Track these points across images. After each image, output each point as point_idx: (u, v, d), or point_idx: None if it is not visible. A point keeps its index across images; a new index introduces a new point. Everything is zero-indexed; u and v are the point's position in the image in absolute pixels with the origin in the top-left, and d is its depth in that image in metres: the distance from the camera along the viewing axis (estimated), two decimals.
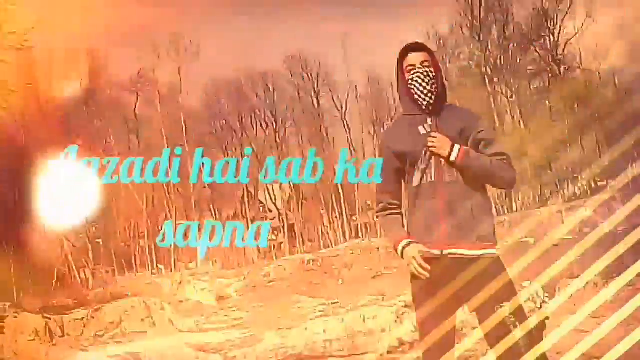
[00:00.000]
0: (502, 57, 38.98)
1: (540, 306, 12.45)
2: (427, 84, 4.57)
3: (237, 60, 41.82)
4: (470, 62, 39.54)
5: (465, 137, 4.57)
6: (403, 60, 4.64)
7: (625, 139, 35.95)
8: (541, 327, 10.62)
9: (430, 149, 4.47)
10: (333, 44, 39.73)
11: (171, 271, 34.46)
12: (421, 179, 4.52)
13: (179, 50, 37.90)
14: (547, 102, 38.53)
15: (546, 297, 12.77)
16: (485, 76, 38.52)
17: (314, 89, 42.29)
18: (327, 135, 43.15)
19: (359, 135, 42.76)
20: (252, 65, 41.21)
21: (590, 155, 37.46)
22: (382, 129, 39.80)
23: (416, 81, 4.57)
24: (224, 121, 42.05)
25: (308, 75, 41.47)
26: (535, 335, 9.45)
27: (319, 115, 42.92)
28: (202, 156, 40.56)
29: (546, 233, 30.32)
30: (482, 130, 4.63)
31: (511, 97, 39.01)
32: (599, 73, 37.84)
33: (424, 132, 4.54)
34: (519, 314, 4.44)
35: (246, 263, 37.70)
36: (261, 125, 42.60)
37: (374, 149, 38.28)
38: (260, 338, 13.91)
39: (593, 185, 37.26)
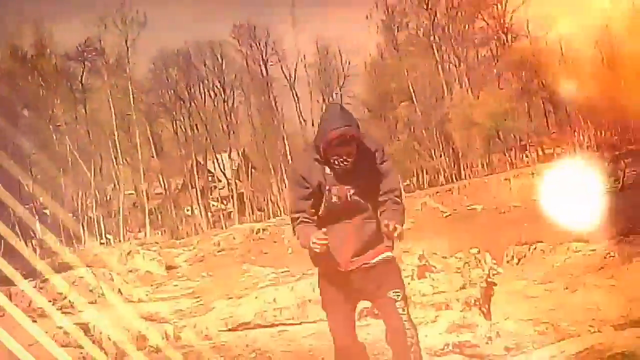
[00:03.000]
0: (450, 25, 39.07)
1: (489, 273, 12.54)
2: (345, 167, 4.92)
3: (185, 29, 41.60)
4: (419, 31, 39.61)
5: (370, 170, 5.02)
6: (329, 145, 4.84)
7: (571, 106, 36.33)
8: (488, 294, 10.74)
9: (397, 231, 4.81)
10: (281, 12, 39.55)
11: (120, 241, 34.32)
12: (328, 214, 4.99)
13: (125, 20, 37.50)
14: (494, 70, 38.74)
15: (494, 263, 12.89)
16: (434, 44, 38.59)
17: (263, 57, 42.12)
18: (275, 104, 43.08)
19: (307, 104, 42.72)
20: (200, 34, 41.02)
21: (538, 123, 37.77)
22: (331, 97, 39.86)
23: (336, 164, 4.90)
24: (172, 91, 41.77)
25: (256, 44, 41.32)
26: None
27: (267, 84, 42.80)
28: (150, 126, 40.37)
29: (494, 200, 30.62)
30: (384, 162, 5.07)
31: (459, 65, 39.15)
32: (546, 41, 38.07)
33: (329, 172, 4.93)
34: (406, 302, 5.07)
35: (195, 232, 37.65)
36: (209, 94, 42.41)
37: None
38: (211, 307, 13.89)
39: (540, 152, 37.60)
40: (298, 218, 5.01)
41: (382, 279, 5.02)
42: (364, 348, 5.35)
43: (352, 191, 4.94)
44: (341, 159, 4.84)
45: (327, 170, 4.92)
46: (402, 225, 4.90)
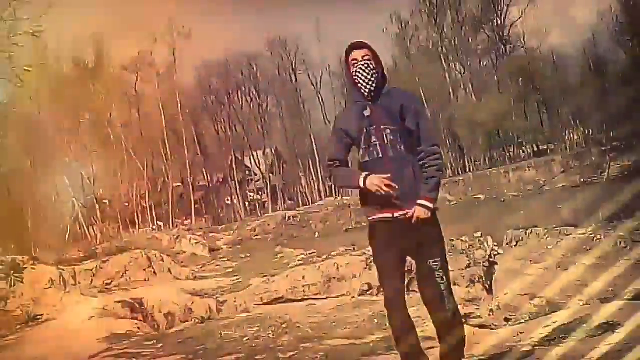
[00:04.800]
0: (456, 38, 38.98)
1: (491, 254, 12.46)
2: (369, 74, 4.71)
3: (224, 43, 41.70)
4: (429, 43, 39.51)
5: (406, 112, 4.73)
6: (348, 57, 4.76)
7: (562, 108, 36.12)
8: (490, 272, 10.67)
9: (421, 218, 4.59)
10: (308, 27, 39.56)
11: (169, 227, 34.42)
12: (368, 155, 4.68)
13: (173, 35, 37.63)
14: (495, 77, 38.58)
15: (495, 246, 12.79)
16: (441, 55, 38.52)
17: (292, 67, 42.22)
18: (304, 107, 43.15)
19: (332, 107, 42.75)
20: (238, 47, 41.09)
21: (533, 123, 37.59)
22: None
23: (359, 72, 4.70)
24: (214, 97, 41.91)
25: (287, 55, 41.37)
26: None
27: (296, 90, 42.86)
28: (195, 127, 40.50)
29: (495, 190, 30.48)
30: (418, 117, 4.77)
31: (464, 73, 39.03)
32: (539, 51, 37.90)
33: (367, 114, 4.69)
34: (445, 270, 4.67)
35: (234, 219, 37.72)
36: (246, 99, 42.54)
37: None
38: (248, 284, 13.90)
39: (535, 149, 37.42)
40: (334, 163, 4.79)
41: (425, 242, 4.66)
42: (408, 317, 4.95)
43: (388, 129, 4.79)
44: (360, 64, 4.70)
45: (366, 112, 4.71)
46: (435, 194, 4.67)
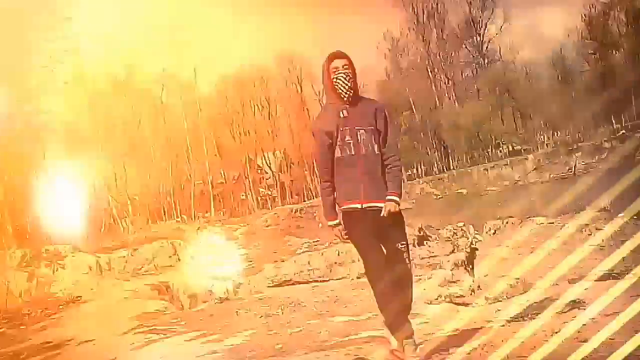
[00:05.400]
0: (440, 53, 38.91)
1: (472, 241, 12.44)
2: (348, 81, 4.84)
3: (239, 58, 41.61)
4: (417, 57, 39.45)
5: (378, 117, 4.93)
6: (329, 64, 4.90)
7: (534, 114, 36.14)
8: (472, 257, 10.66)
9: (392, 210, 4.76)
10: (311, 45, 39.56)
11: (192, 219, 34.42)
12: (341, 152, 4.81)
13: (194, 52, 37.65)
14: (475, 86, 38.52)
15: (476, 234, 12.77)
16: (428, 68, 38.44)
17: (298, 79, 42.18)
18: (308, 114, 43.16)
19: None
20: (250, 63, 41.08)
21: (509, 126, 37.54)
22: None
23: (340, 79, 4.83)
24: (230, 106, 41.94)
25: (293, 70, 41.36)
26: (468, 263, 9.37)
27: (301, 99, 42.87)
28: (214, 132, 40.54)
29: (475, 186, 30.47)
30: (386, 123, 4.96)
31: (448, 83, 38.94)
32: (514, 64, 37.84)
33: (343, 115, 4.82)
34: (409, 251, 4.95)
35: (248, 212, 37.71)
36: (258, 107, 42.51)
37: None
38: (261, 268, 13.90)
39: (511, 149, 37.35)
40: (327, 185, 4.95)
41: (391, 228, 4.83)
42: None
43: (362, 130, 4.85)
44: (341, 72, 4.82)
45: (342, 113, 4.83)
46: (400, 190, 4.89)
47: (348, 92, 4.84)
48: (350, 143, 4.79)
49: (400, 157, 5.02)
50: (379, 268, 4.77)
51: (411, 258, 5.01)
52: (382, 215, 4.73)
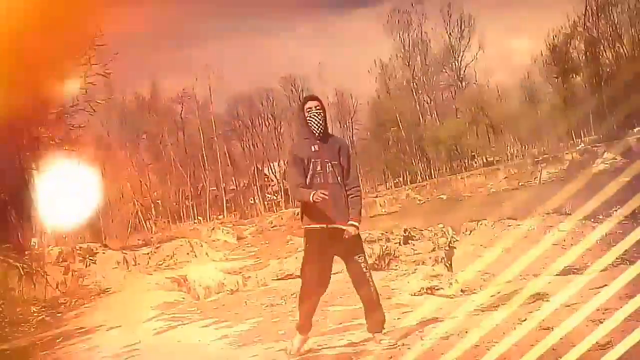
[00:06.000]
0: (424, 76, 38.98)
1: (450, 241, 12.46)
2: (320, 120, 5.01)
3: (248, 81, 41.69)
4: (403, 80, 39.48)
5: (342, 153, 5.09)
6: (304, 106, 5.05)
7: (505, 129, 36.23)
8: (450, 255, 10.65)
9: (352, 234, 4.96)
10: (312, 69, 39.70)
11: (207, 221, 34.41)
12: (313, 180, 4.97)
13: (209, 75, 37.59)
14: (454, 105, 38.56)
15: (454, 234, 12.79)
16: (413, 89, 38.50)
17: (300, 98, 42.17)
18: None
19: (330, 128, 42.61)
20: (258, 84, 41.13)
21: (483, 140, 37.54)
22: (345, 125, 39.90)
23: (313, 117, 5.00)
24: (240, 122, 41.87)
25: (295, 89, 41.31)
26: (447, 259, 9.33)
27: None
28: (226, 144, 40.51)
29: (454, 192, 30.49)
30: (348, 159, 5.12)
31: (430, 102, 39.00)
32: (487, 86, 37.90)
33: (315, 149, 4.99)
34: (366, 262, 5.14)
35: (256, 215, 37.68)
36: (265, 123, 42.47)
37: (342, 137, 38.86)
38: (267, 264, 13.89)
39: (485, 160, 37.36)
40: (299, 185, 4.98)
41: (351, 244, 5.00)
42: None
43: (330, 164, 4.97)
44: (314, 112, 4.95)
45: (314, 148, 4.96)
46: (359, 216, 5.06)
47: (319, 129, 4.99)
48: (320, 173, 4.95)
49: (360, 187, 5.22)
50: (311, 290, 4.99)
51: (369, 268, 5.15)
52: (344, 237, 4.92)
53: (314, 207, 4.88)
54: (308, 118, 4.99)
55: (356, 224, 5.00)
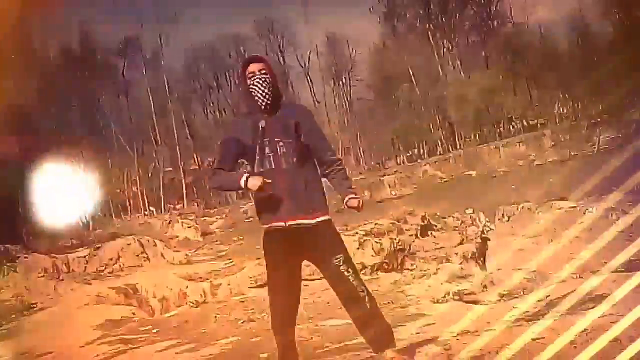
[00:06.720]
0: (442, 15, 38.93)
1: (483, 230, 12.52)
2: (265, 87, 4.89)
3: (211, 25, 41.49)
4: (416, 21, 39.44)
5: (300, 130, 4.94)
6: (245, 70, 4.99)
7: (551, 82, 36.21)
8: (483, 249, 10.72)
9: (354, 205, 4.99)
10: (295, 9, 39.51)
11: (161, 212, 34.41)
12: (261, 166, 4.86)
13: (159, 19, 37.46)
14: (483, 52, 38.57)
15: (487, 221, 12.85)
16: (429, 32, 38.45)
17: (280, 48, 42.03)
18: (292, 88, 43.06)
19: (320, 87, 42.72)
20: (225, 29, 40.97)
21: (522, 98, 37.57)
22: (340, 81, 39.84)
23: (256, 85, 4.90)
24: (202, 80, 41.85)
25: (274, 36, 41.21)
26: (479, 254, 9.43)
27: (284, 71, 42.75)
28: (184, 111, 40.47)
29: (486, 166, 30.57)
30: (314, 131, 5.05)
31: (451, 49, 38.98)
32: (527, 25, 37.87)
33: (262, 127, 4.85)
34: (350, 263, 4.95)
35: (226, 202, 37.72)
36: (235, 82, 42.41)
37: (334, 100, 38.61)
38: (242, 267, 13.92)
39: (525, 124, 37.45)
40: (217, 170, 4.97)
41: (325, 245, 4.93)
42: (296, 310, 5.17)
43: (282, 143, 4.90)
44: (257, 77, 4.88)
45: (261, 125, 4.87)
46: (351, 185, 5.13)
47: (265, 99, 4.91)
48: (270, 156, 4.87)
49: (341, 160, 5.26)
50: (283, 317, 4.97)
51: (355, 271, 5.01)
52: (357, 209, 4.98)
53: (268, 201, 4.85)
54: (251, 86, 4.94)
55: (354, 196, 5.02)
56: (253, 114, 4.96)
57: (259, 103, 4.90)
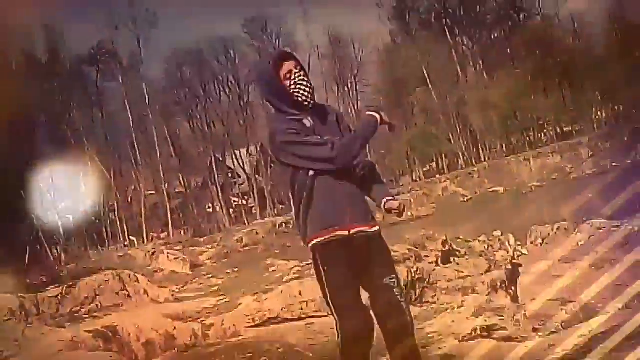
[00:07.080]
0: (461, 7, 39.04)
1: (513, 255, 12.51)
2: (308, 85, 4.80)
3: (196, 27, 41.75)
4: (431, 15, 39.60)
5: (340, 123, 4.93)
6: (279, 69, 4.80)
7: (588, 83, 36.19)
8: (514, 276, 10.71)
9: (395, 208, 4.75)
10: (291, 3, 39.65)
11: (143, 242, 34.46)
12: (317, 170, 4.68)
13: (136, 20, 37.62)
14: (508, 50, 38.67)
15: (518, 245, 12.84)
16: (446, 28, 38.58)
17: (275, 49, 42.23)
18: None
19: (323, 94, 42.79)
20: (212, 31, 41.20)
21: (554, 101, 37.65)
22: (345, 87, 39.97)
23: (300, 85, 4.77)
24: (187, 89, 41.94)
25: (268, 37, 41.39)
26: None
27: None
28: (168, 125, 40.51)
29: (515, 181, 30.59)
30: (348, 128, 4.96)
31: (472, 47, 39.10)
32: (558, 18, 38.00)
33: (309, 124, 4.75)
34: (400, 287, 4.75)
35: (218, 229, 37.75)
36: (225, 90, 42.58)
37: (339, 108, 38.79)
38: (237, 303, 13.89)
39: (559, 131, 37.52)
40: (334, 143, 4.64)
41: (376, 258, 4.72)
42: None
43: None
44: (297, 75, 4.75)
45: (307, 122, 4.76)
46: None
47: (310, 97, 4.82)
48: None
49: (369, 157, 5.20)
50: (360, 340, 4.82)
51: (406, 297, 4.90)
52: (398, 212, 4.73)
53: (323, 208, 4.79)
54: (293, 87, 4.93)
55: (393, 199, 4.83)
56: (297, 115, 4.91)
57: (305, 102, 4.78)
